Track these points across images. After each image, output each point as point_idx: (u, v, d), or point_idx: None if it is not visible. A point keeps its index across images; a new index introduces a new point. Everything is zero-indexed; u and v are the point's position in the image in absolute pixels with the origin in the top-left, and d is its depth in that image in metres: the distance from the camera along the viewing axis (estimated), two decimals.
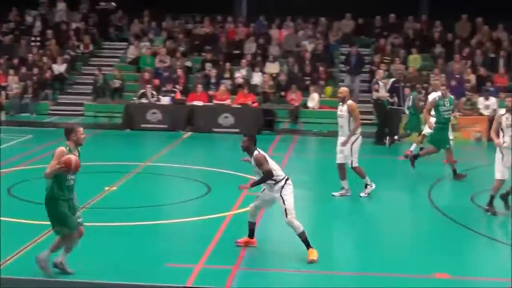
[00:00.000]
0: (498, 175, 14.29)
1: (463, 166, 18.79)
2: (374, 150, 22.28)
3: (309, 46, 32.27)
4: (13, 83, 29.73)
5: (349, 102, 15.58)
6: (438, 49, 31.75)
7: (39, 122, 27.45)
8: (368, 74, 31.02)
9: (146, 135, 25.31)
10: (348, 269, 11.04)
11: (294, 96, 28.62)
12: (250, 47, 32.56)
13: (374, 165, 16.08)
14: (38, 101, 29.57)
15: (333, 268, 11.00)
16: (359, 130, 15.71)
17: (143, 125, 26.18)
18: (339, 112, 15.79)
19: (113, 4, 36.59)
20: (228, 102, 27.28)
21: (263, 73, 30.29)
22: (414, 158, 18.56)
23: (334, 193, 15.71)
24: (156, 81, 28.83)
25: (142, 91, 27.61)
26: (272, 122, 26.74)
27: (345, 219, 14.86)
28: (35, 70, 30.35)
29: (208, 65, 30.62)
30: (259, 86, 29.50)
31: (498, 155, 14.30)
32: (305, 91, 29.20)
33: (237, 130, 25.85)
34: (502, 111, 14.47)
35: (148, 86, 27.75)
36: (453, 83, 27.91)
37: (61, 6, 35.51)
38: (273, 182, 11.29)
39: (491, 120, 25.25)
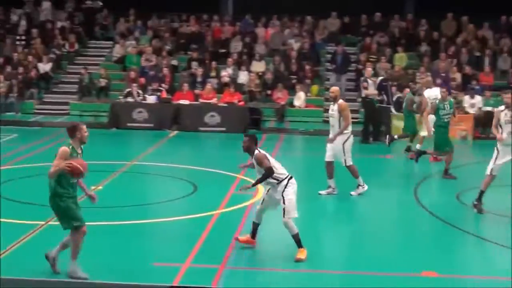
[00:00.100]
0: (489, 171, 14.31)
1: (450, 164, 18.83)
2: (360, 148, 22.30)
3: (295, 44, 32.27)
4: None
5: (340, 101, 15.63)
6: (424, 47, 31.81)
7: (24, 121, 27.32)
8: (354, 73, 31.06)
9: (132, 134, 25.26)
10: (335, 268, 11.03)
11: (280, 95, 28.61)
12: (236, 45, 32.53)
13: (360, 163, 16.06)
14: (23, 100, 29.42)
15: (320, 267, 10.99)
16: (350, 128, 15.76)
17: (129, 124, 26.12)
18: (330, 112, 15.85)
19: (99, 2, 36.45)
20: (214, 101, 27.23)
21: (249, 71, 30.26)
22: (418, 155, 18.48)
23: (321, 192, 15.72)
24: (142, 80, 28.74)
25: (128, 90, 27.54)
26: (258, 121, 26.73)
27: (332, 217, 14.88)
28: (20, 69, 30.21)
29: (194, 64, 30.55)
30: (245, 85, 29.48)
31: (495, 151, 14.35)
32: (291, 90, 29.20)
33: (223, 129, 25.88)
34: (502, 107, 14.47)
35: (134, 85, 27.68)
36: (439, 81, 27.96)
37: (46, 5, 35.35)
38: (276, 181, 11.23)
39: (476, 118, 25.49)
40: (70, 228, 9.89)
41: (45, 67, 30.93)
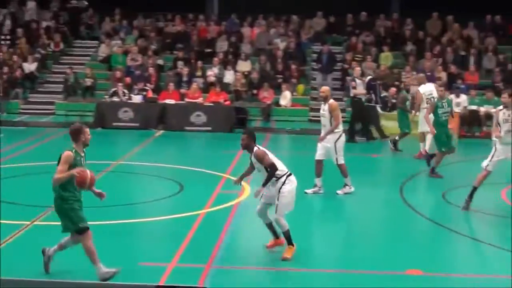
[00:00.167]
0: (485, 166, 14.33)
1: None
2: (346, 147, 22.28)
3: (281, 44, 32.31)
4: None
5: (331, 101, 15.70)
6: (409, 47, 31.91)
7: (9, 121, 27.19)
8: (340, 72, 31.12)
9: (118, 133, 25.21)
10: (320, 266, 11.02)
11: (266, 94, 28.63)
12: (222, 45, 32.52)
13: (346, 162, 16.06)
14: (8, 100, 29.33)
15: (306, 265, 10.98)
16: (341, 127, 15.88)
17: (114, 124, 26.07)
18: (321, 112, 15.93)
19: (85, 2, 36.35)
20: (200, 100, 27.20)
21: (235, 71, 30.27)
22: (429, 157, 18.42)
23: (307, 190, 15.72)
24: (128, 80, 28.68)
25: (113, 89, 27.49)
26: (244, 120, 26.72)
27: (317, 216, 14.89)
28: (5, 69, 30.11)
29: (180, 63, 30.55)
30: (231, 84, 29.49)
31: (494, 148, 14.41)
32: (277, 89, 29.23)
33: (209, 128, 25.86)
34: (501, 106, 14.55)
35: (120, 84, 27.63)
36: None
37: (31, 4, 35.26)
38: (275, 178, 11.17)
39: (462, 117, 25.58)
40: (75, 231, 9.80)
41: (30, 66, 30.85)
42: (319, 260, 11.32)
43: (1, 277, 9.49)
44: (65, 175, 9.58)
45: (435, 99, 18.46)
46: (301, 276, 10.61)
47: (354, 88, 24.08)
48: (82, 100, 28.88)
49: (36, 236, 12.11)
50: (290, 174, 11.29)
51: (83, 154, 9.93)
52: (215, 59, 30.66)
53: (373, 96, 24.12)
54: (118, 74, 29.09)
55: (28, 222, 12.72)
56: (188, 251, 11.52)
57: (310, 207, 15.17)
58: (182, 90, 28.40)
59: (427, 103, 20.14)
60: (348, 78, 28.99)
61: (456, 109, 26.23)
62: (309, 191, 15.75)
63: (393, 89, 26.29)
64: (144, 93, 27.37)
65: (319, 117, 25.47)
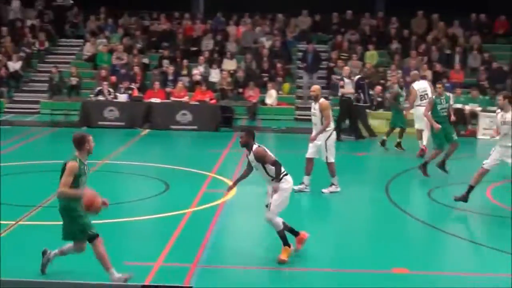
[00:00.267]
0: (484, 164, 14.35)
1: (419, 161, 18.91)
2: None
3: (266, 42, 32.29)
4: None
5: (321, 100, 15.73)
6: (395, 45, 31.95)
7: None
8: (325, 71, 31.12)
9: (104, 132, 25.10)
10: (306, 265, 11.01)
11: (252, 93, 28.61)
12: (208, 43, 32.47)
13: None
14: None
15: (291, 264, 10.96)
16: (332, 126, 15.91)
17: (100, 123, 25.99)
18: (312, 110, 15.95)
19: (70, 1, 36.20)
20: (185, 99, 27.15)
21: (221, 70, 30.24)
22: (424, 167, 18.08)
23: (293, 187, 15.71)
24: (113, 78, 28.61)
25: (99, 88, 27.41)
26: (230, 119, 26.70)
27: (303, 215, 14.87)
28: None
29: (165, 62, 30.49)
30: (217, 83, 29.46)
31: (493, 148, 14.46)
32: (263, 88, 29.23)
33: (195, 127, 25.85)
34: (499, 109, 14.58)
35: (105, 83, 27.56)
36: (409, 79, 28.09)
37: (16, 3, 35.03)
38: (271, 178, 11.08)
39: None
40: (85, 238, 9.73)
41: (15, 65, 30.68)
42: (304, 259, 11.30)
43: (1, 278, 9.45)
44: (72, 193, 9.49)
45: (433, 97, 18.42)
46: (287, 275, 10.61)
47: (342, 87, 24.15)
48: (67, 99, 28.76)
49: (21, 236, 12.06)
50: (286, 174, 11.19)
51: (86, 163, 9.84)
52: (201, 58, 30.62)
53: (361, 95, 24.18)
54: (103, 72, 29.01)
55: (13, 222, 12.66)
56: (174, 250, 11.50)
57: (295, 205, 15.10)
58: (168, 89, 28.35)
59: (420, 100, 20.26)
60: (334, 76, 29.10)
61: None
62: (296, 188, 15.73)
63: (378, 88, 26.34)
64: (130, 92, 27.29)
65: (305, 115, 25.59)
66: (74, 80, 29.31)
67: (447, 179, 17.30)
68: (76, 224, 9.66)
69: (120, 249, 11.57)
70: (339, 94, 24.50)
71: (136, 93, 27.46)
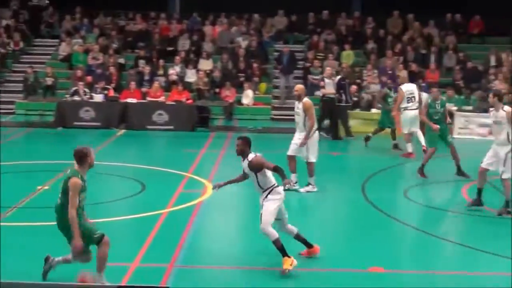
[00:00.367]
0: (481, 163, 14.38)
1: (396, 161, 19.01)
2: None
3: (243, 42, 32.30)
4: None
5: (305, 100, 15.74)
6: (371, 45, 32.07)
7: None
8: (302, 71, 31.15)
9: (79, 133, 25.00)
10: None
11: (228, 93, 28.60)
12: (184, 43, 32.43)
13: None
14: None
15: (266, 264, 10.97)
16: (315, 125, 15.94)
17: (76, 123, 25.87)
18: (295, 110, 15.95)
19: (45, 0, 36.02)
20: (162, 99, 27.10)
21: (197, 70, 30.19)
22: (421, 170, 17.73)
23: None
24: (89, 78, 28.49)
25: (74, 88, 27.27)
26: (206, 119, 26.65)
27: None
28: None
29: (141, 62, 30.40)
30: (193, 83, 29.41)
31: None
32: (239, 88, 29.23)
33: (171, 127, 25.79)
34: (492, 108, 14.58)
35: (81, 83, 27.42)
36: (385, 79, 28.25)
37: None
38: (262, 189, 10.81)
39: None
40: (93, 244, 9.61)
41: None
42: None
43: (1, 280, 9.39)
44: (75, 228, 9.31)
45: (429, 100, 18.34)
46: (262, 275, 10.60)
47: (323, 87, 24.25)
48: (43, 100, 28.59)
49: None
50: (277, 186, 10.86)
51: (85, 178, 9.71)
52: (177, 58, 30.58)
53: (343, 95, 24.25)
54: (79, 73, 28.87)
55: None
56: (150, 250, 11.48)
57: None
58: (144, 89, 28.26)
59: (407, 102, 20.34)
60: (310, 76, 29.16)
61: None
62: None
63: (353, 87, 26.41)
64: (106, 92, 27.19)
65: (281, 115, 25.61)
66: (49, 80, 29.16)
67: (421, 179, 17.36)
68: (82, 234, 9.49)
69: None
70: (320, 94, 24.63)
71: (112, 93, 27.37)
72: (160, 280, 10.02)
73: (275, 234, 10.56)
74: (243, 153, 11.01)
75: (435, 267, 11.19)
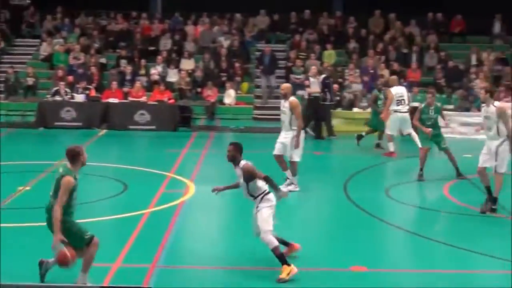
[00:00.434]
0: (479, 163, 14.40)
1: (378, 160, 19.06)
2: None
3: (224, 42, 32.27)
4: None
5: (291, 98, 15.70)
6: (352, 44, 32.13)
7: None
8: (284, 70, 31.14)
9: (61, 133, 24.91)
10: (262, 264, 10.97)
11: (210, 93, 28.57)
12: (166, 43, 32.37)
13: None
14: None
15: (248, 264, 10.98)
16: (301, 124, 15.87)
17: (57, 123, 25.76)
18: (281, 108, 15.92)
19: (27, 0, 35.84)
20: (144, 99, 27.04)
21: (179, 69, 30.15)
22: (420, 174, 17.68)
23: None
24: (70, 78, 28.39)
25: (55, 88, 27.16)
26: (188, 119, 26.60)
27: None
28: None
29: (123, 62, 30.33)
30: (175, 83, 29.36)
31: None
32: (221, 87, 29.20)
33: (153, 127, 25.73)
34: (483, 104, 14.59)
35: (62, 83, 27.31)
36: (366, 78, 28.32)
37: None
38: (252, 197, 10.73)
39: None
40: (84, 245, 9.58)
41: None
42: (261, 257, 11.28)
43: (1, 282, 9.33)
44: (57, 225, 9.25)
45: (422, 105, 18.24)
46: (244, 274, 10.59)
47: (308, 86, 24.33)
48: (24, 100, 28.46)
49: None
50: (268, 193, 10.76)
51: (77, 177, 9.68)
52: (159, 58, 30.52)
53: (327, 94, 24.29)
54: (60, 73, 28.76)
55: None
56: (132, 251, 11.45)
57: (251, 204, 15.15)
58: (126, 89, 28.20)
59: (397, 105, 20.40)
60: (292, 76, 29.16)
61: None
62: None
63: (335, 86, 26.44)
64: (87, 92, 27.07)
65: (263, 115, 25.60)
66: (30, 81, 29.03)
67: (403, 178, 17.41)
68: (72, 235, 9.49)
69: None
70: (305, 93, 24.72)
71: (93, 93, 27.25)
72: (142, 280, 10.00)
73: (274, 242, 10.43)
74: (234, 160, 10.87)
75: (417, 265, 11.23)
